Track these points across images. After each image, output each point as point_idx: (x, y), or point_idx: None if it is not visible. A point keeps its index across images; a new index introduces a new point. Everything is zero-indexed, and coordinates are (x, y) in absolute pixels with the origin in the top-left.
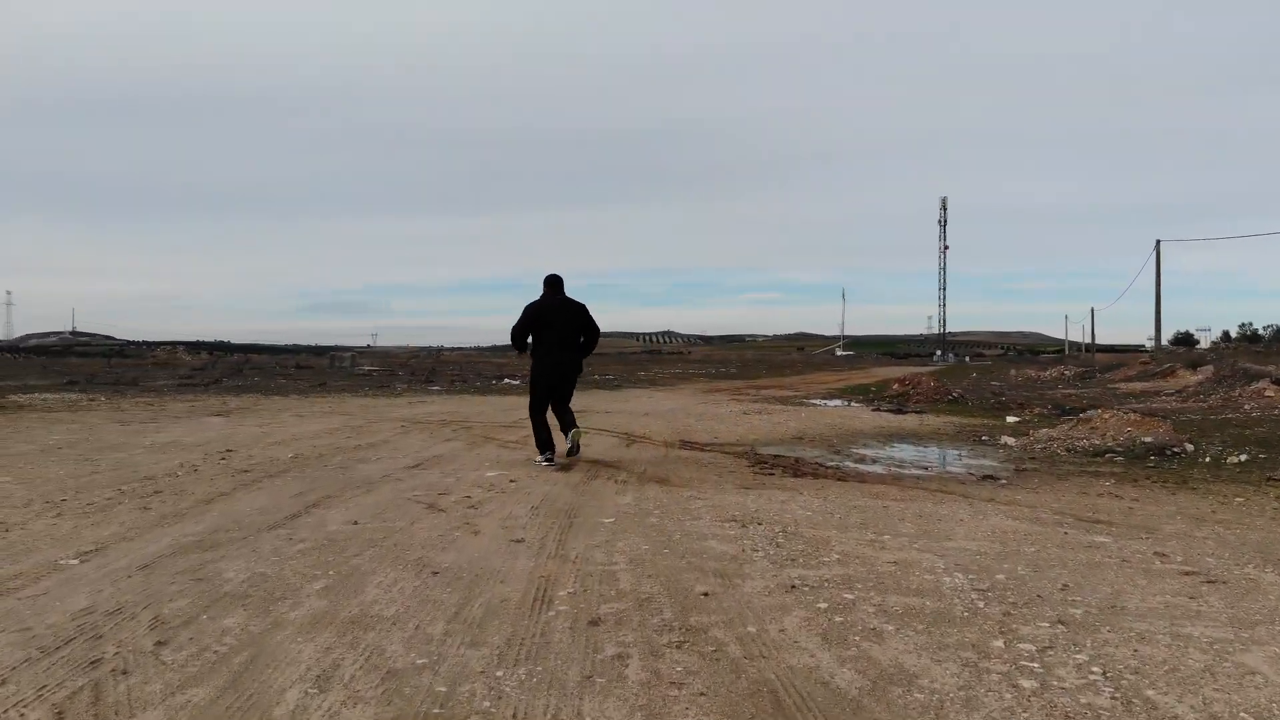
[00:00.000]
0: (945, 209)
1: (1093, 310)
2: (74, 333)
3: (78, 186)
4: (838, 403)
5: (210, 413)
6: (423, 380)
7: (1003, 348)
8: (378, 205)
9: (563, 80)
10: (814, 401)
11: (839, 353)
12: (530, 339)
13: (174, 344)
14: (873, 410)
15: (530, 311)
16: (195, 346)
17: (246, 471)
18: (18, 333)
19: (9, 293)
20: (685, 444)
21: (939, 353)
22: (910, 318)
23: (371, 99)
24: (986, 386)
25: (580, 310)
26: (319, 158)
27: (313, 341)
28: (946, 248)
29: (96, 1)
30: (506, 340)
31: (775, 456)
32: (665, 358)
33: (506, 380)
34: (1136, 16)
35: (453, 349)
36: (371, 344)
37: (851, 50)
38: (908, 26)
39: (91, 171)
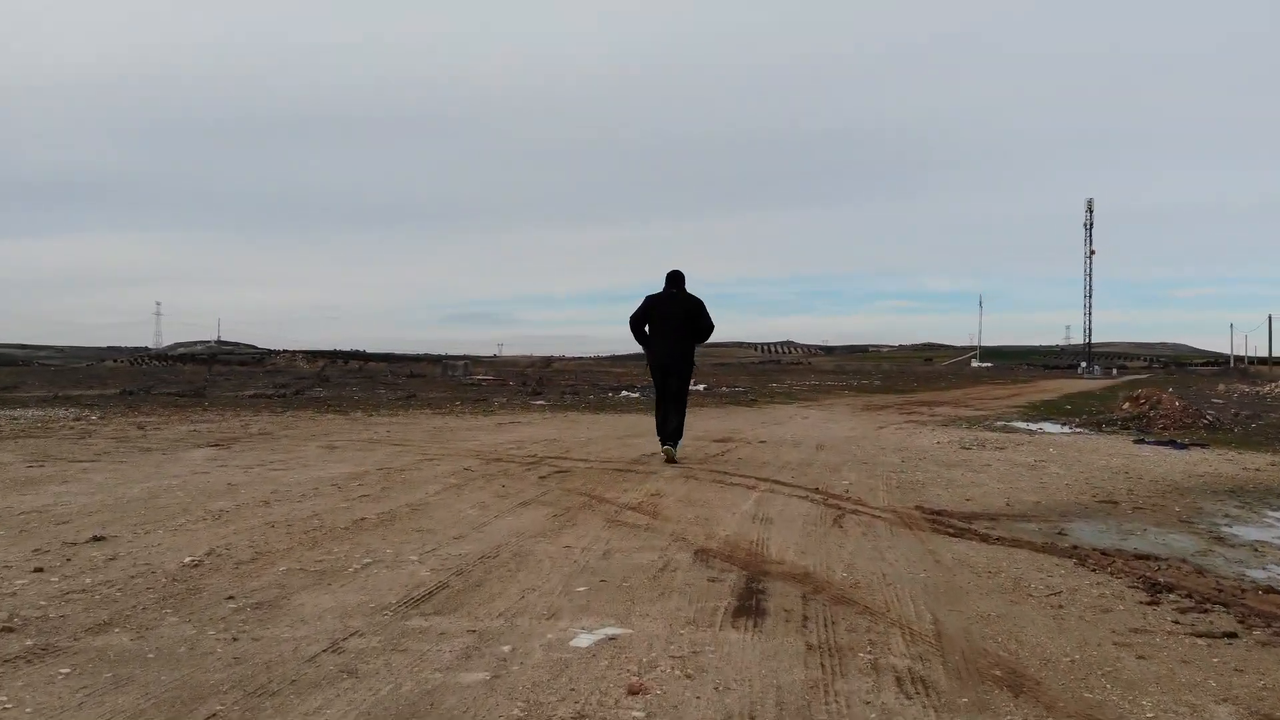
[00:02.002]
0: (1091, 211)
1: (1270, 318)
2: (219, 341)
3: (228, 201)
4: (1059, 428)
5: (211, 441)
6: (529, 392)
7: (1146, 359)
8: (513, 218)
9: (688, 89)
10: (1023, 425)
11: (975, 364)
12: (647, 329)
13: (293, 351)
14: (1134, 442)
15: (647, 302)
16: (314, 354)
17: None
18: (167, 341)
19: (158, 303)
20: (934, 518)
21: (1084, 364)
22: (1044, 327)
23: (507, 116)
24: (1216, 406)
25: (696, 305)
26: (461, 174)
27: (445, 351)
28: (1093, 252)
29: (249, 24)
30: (625, 349)
31: (1144, 560)
32: (791, 368)
33: (625, 393)
34: None
35: (574, 358)
36: (498, 353)
37: (987, 51)
38: (1043, 23)
39: (242, 187)
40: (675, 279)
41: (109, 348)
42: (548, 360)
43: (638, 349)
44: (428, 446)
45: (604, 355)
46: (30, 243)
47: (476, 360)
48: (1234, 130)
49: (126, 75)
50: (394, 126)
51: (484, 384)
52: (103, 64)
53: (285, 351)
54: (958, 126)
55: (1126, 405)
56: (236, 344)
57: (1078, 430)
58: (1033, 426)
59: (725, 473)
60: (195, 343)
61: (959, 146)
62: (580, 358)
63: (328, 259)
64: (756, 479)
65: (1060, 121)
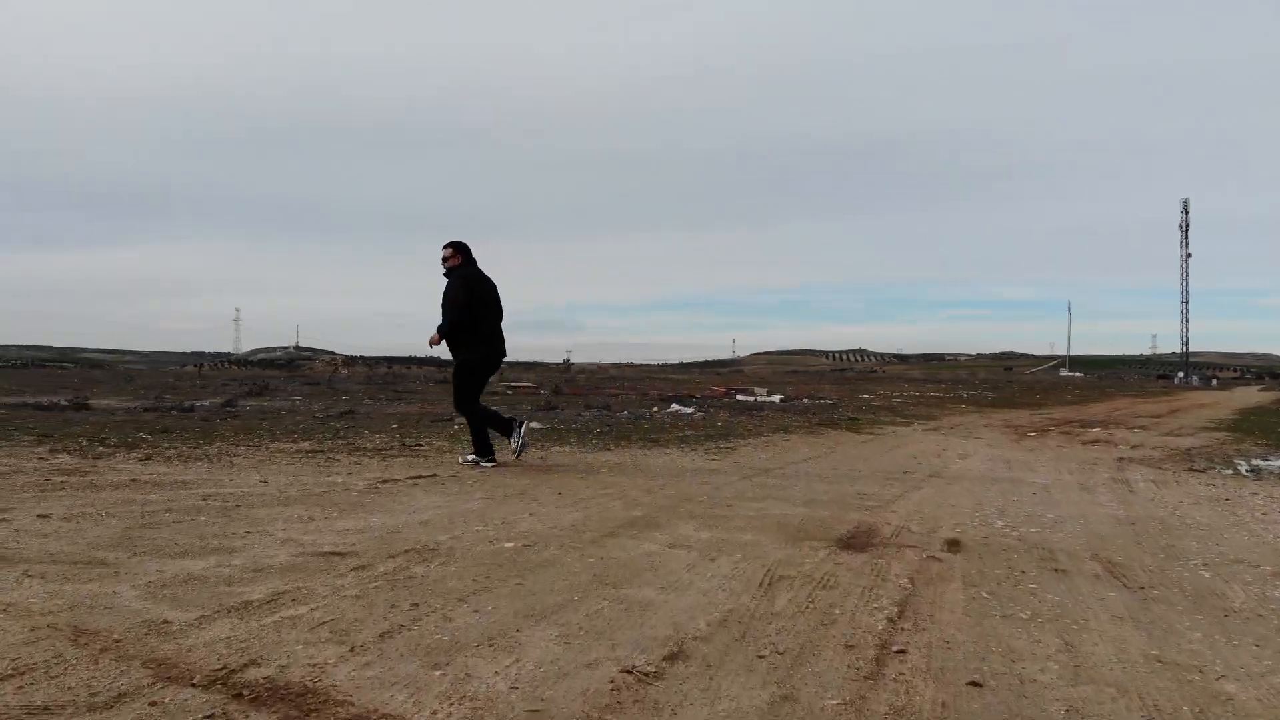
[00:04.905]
0: (1187, 212)
1: None
2: (298, 347)
3: (303, 210)
4: None
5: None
6: (542, 405)
7: (1236, 369)
8: (580, 225)
9: (758, 93)
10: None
11: (1064, 372)
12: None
13: (334, 355)
14: None
15: (473, 280)
16: (353, 359)
17: None
18: (246, 347)
19: (238, 309)
20: None
21: (1181, 374)
22: (1125, 335)
23: (570, 125)
24: None
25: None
26: (526, 182)
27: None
28: (1189, 255)
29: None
30: (691, 355)
31: None
32: (875, 377)
33: (677, 407)
34: None
35: (640, 364)
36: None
37: (1069, 55)
38: (1128, 24)
39: (314, 197)
40: (469, 251)
41: (193, 353)
42: (567, 364)
43: (693, 355)
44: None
45: (670, 363)
46: (117, 251)
47: (528, 366)
48: None
49: (207, 86)
50: (461, 136)
51: (514, 391)
52: (182, 74)
53: (327, 355)
54: (1031, 132)
55: None
56: (314, 349)
57: None
58: None
59: None
60: (275, 348)
61: (1035, 152)
62: (646, 364)
63: (396, 267)
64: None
65: (1137, 129)
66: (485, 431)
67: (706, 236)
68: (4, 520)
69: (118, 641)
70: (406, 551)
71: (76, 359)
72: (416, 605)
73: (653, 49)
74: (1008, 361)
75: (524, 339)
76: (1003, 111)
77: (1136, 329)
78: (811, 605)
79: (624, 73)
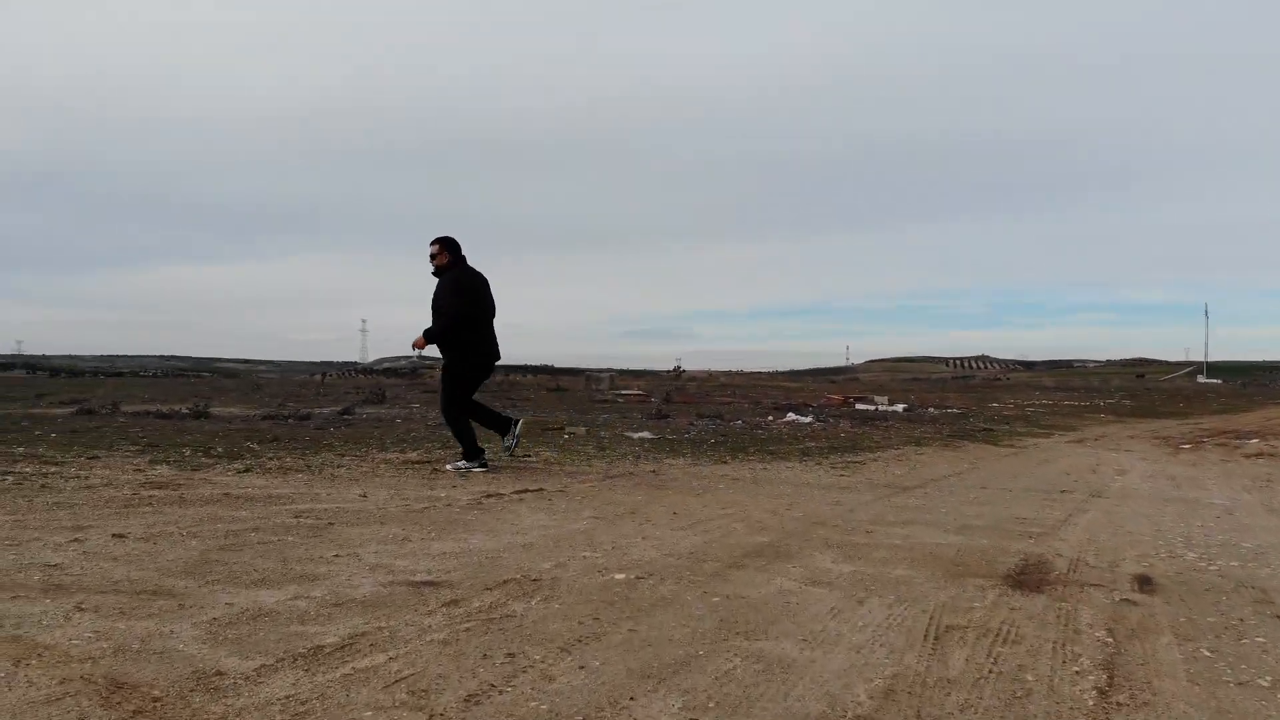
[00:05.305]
0: None
1: None
2: (420, 356)
3: (421, 224)
4: None
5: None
6: (651, 414)
7: None
8: (689, 233)
9: (870, 98)
10: None
11: (1201, 379)
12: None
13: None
14: None
15: (477, 281)
16: None
17: None
18: (372, 356)
19: (364, 321)
20: None
21: None
22: (1270, 341)
23: (680, 135)
24: None
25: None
26: (639, 192)
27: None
28: None
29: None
30: (803, 364)
31: None
32: (1000, 385)
33: (793, 415)
34: None
35: (750, 372)
36: (678, 368)
37: (1204, 51)
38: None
39: (433, 211)
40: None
41: (322, 362)
42: (679, 370)
43: (805, 363)
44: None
45: (781, 370)
46: (253, 265)
47: (638, 374)
48: None
49: (330, 106)
50: (572, 150)
51: (619, 400)
52: (307, 95)
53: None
54: (1159, 130)
55: None
56: (435, 358)
57: None
58: None
59: None
60: (399, 357)
61: (1165, 153)
62: (756, 372)
63: (513, 278)
64: None
65: (1276, 123)
66: (473, 435)
67: (818, 242)
68: (76, 541)
69: (156, 701)
70: (505, 583)
71: (212, 368)
72: (512, 657)
73: (769, 55)
74: (1139, 368)
75: (632, 347)
76: (1129, 110)
77: (1275, 335)
78: (996, 669)
79: (737, 80)
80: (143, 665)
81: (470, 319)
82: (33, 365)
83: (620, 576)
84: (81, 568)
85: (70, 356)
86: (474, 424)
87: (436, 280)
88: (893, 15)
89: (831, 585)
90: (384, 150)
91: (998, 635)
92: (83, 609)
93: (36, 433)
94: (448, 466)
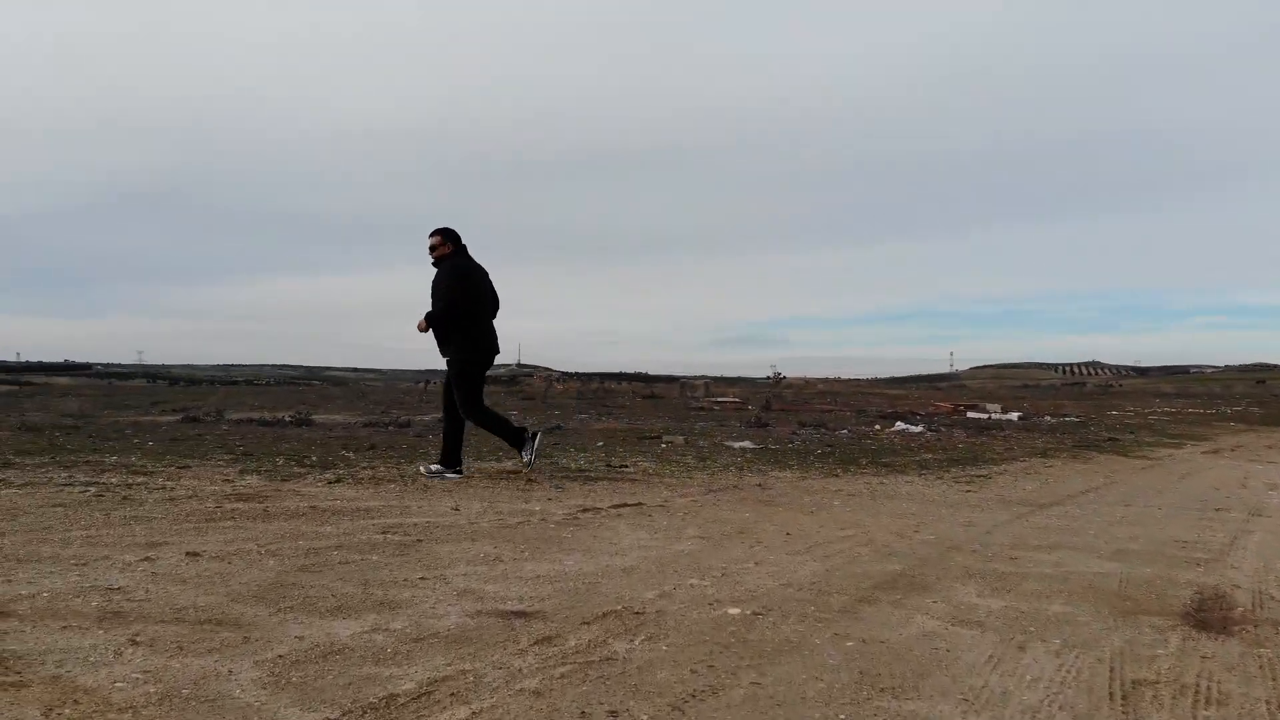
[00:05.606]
0: None
1: None
2: (519, 364)
3: (518, 236)
4: None
5: None
6: (751, 422)
7: None
8: (783, 239)
9: (968, 98)
10: None
11: None
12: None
13: (549, 371)
14: None
15: (472, 271)
16: (568, 375)
17: None
18: None
19: None
20: None
21: None
22: None
23: (777, 141)
24: None
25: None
26: (733, 198)
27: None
28: None
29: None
30: (902, 370)
31: None
32: (1116, 392)
33: (902, 425)
34: None
35: (848, 379)
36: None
37: None
38: None
39: (529, 223)
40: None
41: (426, 369)
42: (777, 378)
43: (905, 369)
44: None
45: (881, 377)
46: (354, 277)
47: (732, 381)
48: None
49: (422, 125)
50: (661, 159)
51: (714, 409)
52: (404, 114)
53: (541, 373)
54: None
55: None
56: (534, 366)
57: None
58: None
59: None
60: (498, 365)
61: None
62: (854, 379)
63: (604, 288)
64: None
65: None
66: (460, 441)
67: (915, 245)
68: (147, 560)
69: None
70: (605, 615)
71: (322, 376)
72: (615, 716)
73: (864, 57)
74: (1260, 374)
75: (725, 355)
76: (1242, 105)
77: None
78: None
79: (831, 83)
80: (188, 718)
81: (470, 311)
82: (153, 374)
83: (735, 611)
84: (146, 591)
85: (188, 366)
86: (469, 431)
87: (435, 270)
88: (983, 20)
89: (982, 626)
90: (478, 165)
91: (1197, 693)
92: (137, 642)
93: (135, 441)
94: (419, 469)
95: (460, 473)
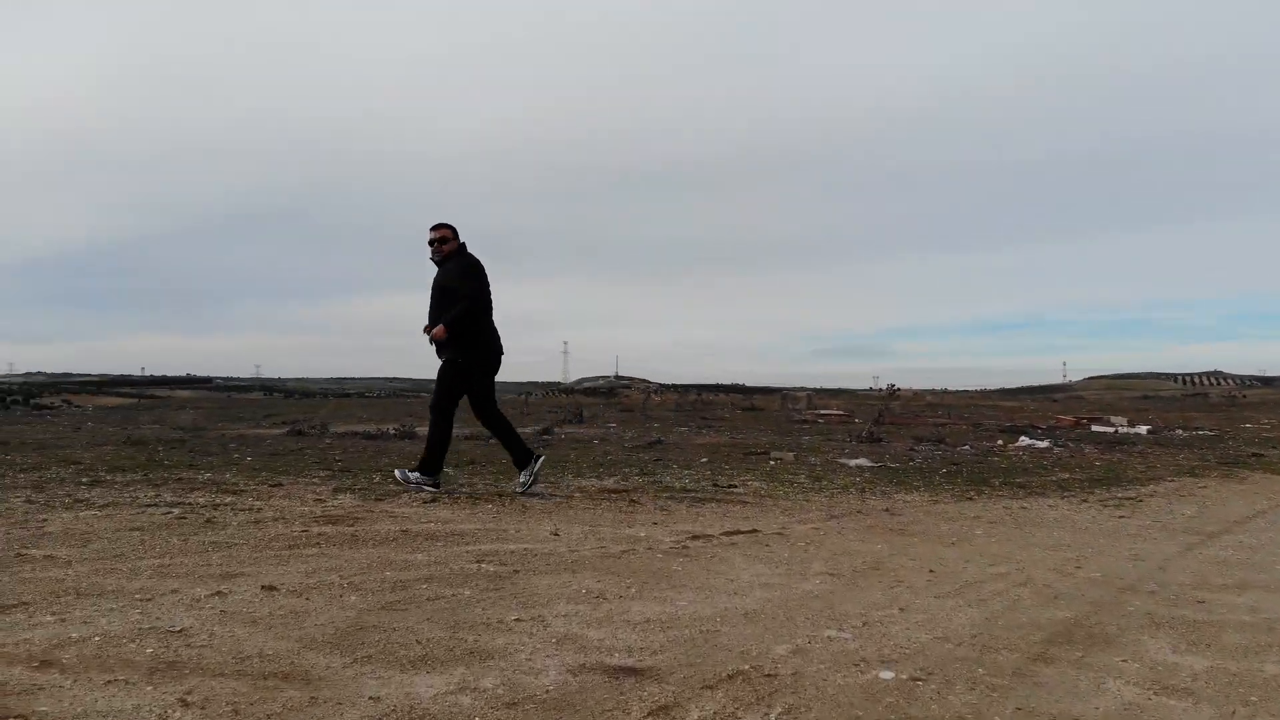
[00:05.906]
0: None
1: None
2: (617, 376)
3: (615, 250)
4: None
5: None
6: (863, 436)
7: None
8: (887, 248)
9: (1076, 99)
10: None
11: None
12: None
13: (647, 383)
14: None
15: (481, 269)
16: (666, 388)
17: None
18: (573, 376)
19: (565, 342)
20: None
21: None
22: None
23: (874, 146)
24: None
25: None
26: (830, 208)
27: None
28: None
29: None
30: (1015, 380)
31: None
32: (1244, 403)
33: (1026, 439)
34: None
35: (957, 391)
36: (874, 387)
37: None
38: None
39: (626, 237)
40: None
41: (528, 381)
42: (891, 390)
43: (1015, 380)
44: None
45: (991, 389)
46: None
47: (834, 393)
48: None
49: (523, 143)
50: (756, 171)
51: (819, 422)
52: (506, 131)
53: (639, 385)
54: None
55: None
56: (631, 378)
57: None
58: None
59: None
60: (598, 377)
61: None
62: (964, 390)
63: (700, 298)
64: None
65: None
66: (445, 449)
67: (1024, 253)
68: (218, 595)
69: None
70: (731, 677)
71: (431, 389)
72: None
73: (950, 64)
74: None
75: (825, 365)
76: None
77: None
78: None
79: (926, 88)
80: None
81: (487, 307)
82: (269, 387)
83: (888, 676)
84: (210, 635)
85: (302, 379)
86: (473, 441)
87: (438, 268)
88: (1096, 20)
89: (1191, 694)
90: (580, 180)
91: None
92: (188, 703)
93: (235, 455)
94: (395, 473)
95: (438, 486)
